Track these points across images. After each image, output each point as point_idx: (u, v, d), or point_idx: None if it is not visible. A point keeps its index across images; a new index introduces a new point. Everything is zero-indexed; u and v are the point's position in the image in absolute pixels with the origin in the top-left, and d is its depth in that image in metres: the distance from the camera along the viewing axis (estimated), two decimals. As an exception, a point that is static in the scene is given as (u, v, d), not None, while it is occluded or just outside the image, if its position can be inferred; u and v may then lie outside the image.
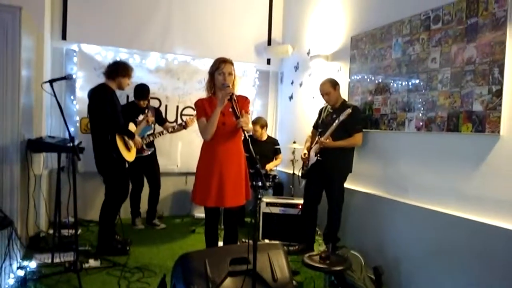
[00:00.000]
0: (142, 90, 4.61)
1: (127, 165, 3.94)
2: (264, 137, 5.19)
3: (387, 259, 3.39)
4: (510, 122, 2.56)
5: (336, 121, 3.62)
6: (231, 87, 2.81)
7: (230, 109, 2.74)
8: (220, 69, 2.87)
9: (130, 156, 4.03)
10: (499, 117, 2.60)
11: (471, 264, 2.69)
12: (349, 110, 3.54)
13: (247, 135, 2.64)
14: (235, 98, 2.74)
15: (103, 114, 3.69)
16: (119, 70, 3.83)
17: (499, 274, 2.48)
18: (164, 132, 4.74)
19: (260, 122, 5.12)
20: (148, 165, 4.74)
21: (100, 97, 3.71)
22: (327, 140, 3.69)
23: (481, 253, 2.62)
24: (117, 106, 3.84)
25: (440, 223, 2.96)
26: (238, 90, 3.03)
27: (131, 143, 4.06)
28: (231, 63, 2.92)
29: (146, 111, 4.58)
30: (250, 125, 2.88)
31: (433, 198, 3.08)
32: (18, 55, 3.15)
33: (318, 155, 3.82)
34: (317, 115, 4.18)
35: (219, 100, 2.81)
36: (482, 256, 2.61)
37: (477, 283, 2.64)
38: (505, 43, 2.58)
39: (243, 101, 2.98)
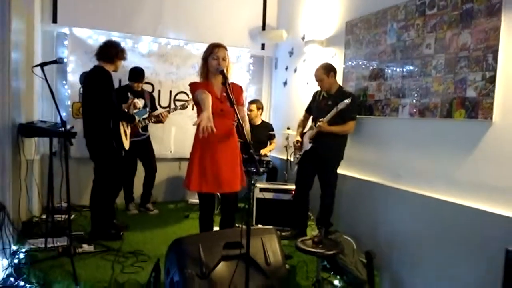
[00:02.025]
0: (138, 73, 4.57)
1: (123, 153, 3.92)
2: (259, 121, 5.19)
3: (379, 244, 3.43)
4: (502, 108, 2.57)
5: (335, 109, 3.59)
6: (225, 71, 2.79)
7: (224, 94, 2.72)
8: (214, 53, 2.85)
9: (127, 143, 4.02)
10: (492, 103, 2.61)
11: (461, 248, 2.73)
12: (348, 101, 3.49)
13: (241, 121, 2.63)
14: (229, 83, 2.72)
15: (106, 100, 3.57)
16: (117, 52, 3.73)
17: (490, 258, 2.52)
18: (160, 116, 4.70)
19: (256, 103, 5.14)
20: (142, 149, 4.73)
21: (103, 82, 3.59)
22: (324, 124, 3.68)
23: (471, 238, 2.66)
24: (115, 91, 3.79)
25: (431, 208, 2.99)
26: (232, 76, 3.00)
27: (127, 130, 4.04)
28: (225, 48, 2.90)
29: (131, 97, 4.52)
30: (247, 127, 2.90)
31: (425, 184, 3.11)
32: (7, 38, 3.08)
33: (312, 142, 3.82)
34: (311, 99, 4.16)
35: (214, 83, 2.84)
36: (472, 241, 2.66)
37: (469, 268, 2.69)
38: (499, 29, 2.59)
39: (237, 90, 2.96)
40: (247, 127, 3.07)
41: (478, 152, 2.72)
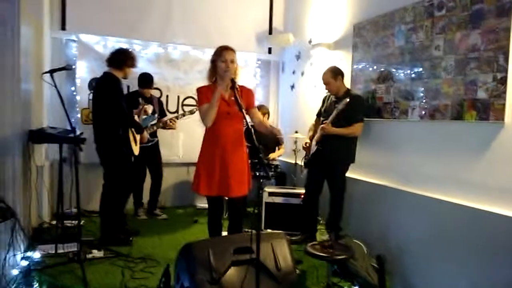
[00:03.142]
0: (147, 78, 4.60)
1: (132, 159, 3.93)
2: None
3: (390, 248, 3.39)
4: (514, 109, 2.53)
5: (335, 110, 3.60)
6: (231, 74, 2.79)
7: (233, 98, 2.72)
8: (222, 56, 2.84)
9: (136, 149, 4.03)
10: (504, 105, 2.57)
11: (475, 252, 2.69)
12: (346, 100, 3.52)
13: (249, 124, 2.63)
14: (238, 87, 2.71)
15: (116, 107, 3.60)
16: (127, 60, 3.75)
17: (503, 262, 2.48)
18: (168, 123, 4.70)
19: (262, 110, 5.12)
20: (150, 155, 4.74)
21: (112, 88, 3.62)
22: (327, 126, 3.67)
23: (485, 241, 2.61)
24: (124, 97, 3.81)
25: (443, 211, 2.95)
26: (240, 80, 3.00)
27: (137, 135, 4.06)
28: (233, 50, 2.90)
29: (142, 102, 4.54)
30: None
31: (436, 187, 3.06)
32: (17, 45, 3.12)
33: (319, 144, 3.80)
34: (320, 103, 4.15)
35: (220, 84, 2.80)
36: (486, 244, 2.61)
37: (481, 271, 2.64)
38: (510, 30, 2.55)
39: (247, 93, 2.96)
40: (267, 124, 3.02)
41: (490, 154, 2.68)
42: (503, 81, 2.58)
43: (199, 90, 2.96)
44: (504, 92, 2.57)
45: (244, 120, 2.66)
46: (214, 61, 2.91)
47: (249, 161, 3.12)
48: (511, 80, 2.54)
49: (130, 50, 3.96)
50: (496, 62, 2.63)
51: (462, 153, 2.89)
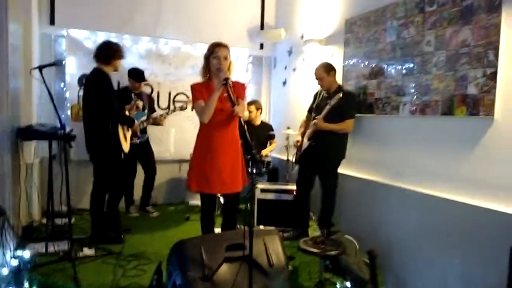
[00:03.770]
0: (140, 72, 4.54)
1: (122, 156, 3.90)
2: (258, 122, 5.16)
3: (381, 243, 3.41)
4: (504, 105, 2.55)
5: (328, 105, 3.61)
6: (225, 71, 2.77)
7: (226, 95, 2.70)
8: (215, 53, 2.83)
9: (126, 146, 3.99)
10: (493, 100, 2.59)
11: (464, 246, 2.72)
12: (339, 95, 3.54)
13: (243, 121, 2.61)
14: (231, 84, 2.69)
15: (105, 103, 3.57)
16: (114, 53, 3.70)
17: (491, 256, 2.50)
18: (157, 119, 4.67)
19: (255, 104, 5.11)
20: (142, 152, 4.70)
21: (101, 85, 3.58)
22: (320, 121, 3.67)
23: (474, 236, 2.64)
24: (114, 93, 3.77)
25: (433, 206, 2.98)
26: (233, 75, 2.98)
27: (127, 132, 4.02)
28: (226, 47, 2.88)
29: (135, 98, 4.50)
30: (246, 113, 2.86)
31: (427, 182, 3.09)
32: (5, 41, 3.06)
33: (311, 141, 3.81)
34: (312, 99, 4.15)
35: (216, 84, 2.78)
36: (475, 239, 2.64)
37: (470, 265, 2.67)
38: (500, 25, 2.57)
39: (239, 87, 2.95)
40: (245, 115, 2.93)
41: (480, 149, 2.71)
42: (493, 76, 2.60)
43: (193, 87, 2.94)
44: (494, 87, 2.59)
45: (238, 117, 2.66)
46: (207, 58, 2.90)
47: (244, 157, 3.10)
48: (501, 76, 2.56)
49: (115, 42, 3.90)
50: (486, 57, 2.64)
51: (452, 148, 2.91)
